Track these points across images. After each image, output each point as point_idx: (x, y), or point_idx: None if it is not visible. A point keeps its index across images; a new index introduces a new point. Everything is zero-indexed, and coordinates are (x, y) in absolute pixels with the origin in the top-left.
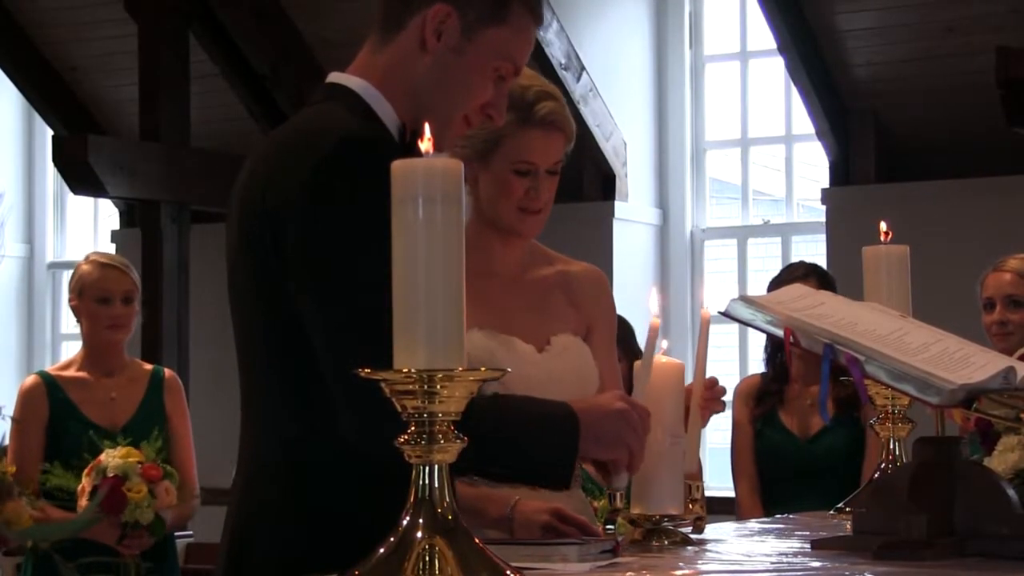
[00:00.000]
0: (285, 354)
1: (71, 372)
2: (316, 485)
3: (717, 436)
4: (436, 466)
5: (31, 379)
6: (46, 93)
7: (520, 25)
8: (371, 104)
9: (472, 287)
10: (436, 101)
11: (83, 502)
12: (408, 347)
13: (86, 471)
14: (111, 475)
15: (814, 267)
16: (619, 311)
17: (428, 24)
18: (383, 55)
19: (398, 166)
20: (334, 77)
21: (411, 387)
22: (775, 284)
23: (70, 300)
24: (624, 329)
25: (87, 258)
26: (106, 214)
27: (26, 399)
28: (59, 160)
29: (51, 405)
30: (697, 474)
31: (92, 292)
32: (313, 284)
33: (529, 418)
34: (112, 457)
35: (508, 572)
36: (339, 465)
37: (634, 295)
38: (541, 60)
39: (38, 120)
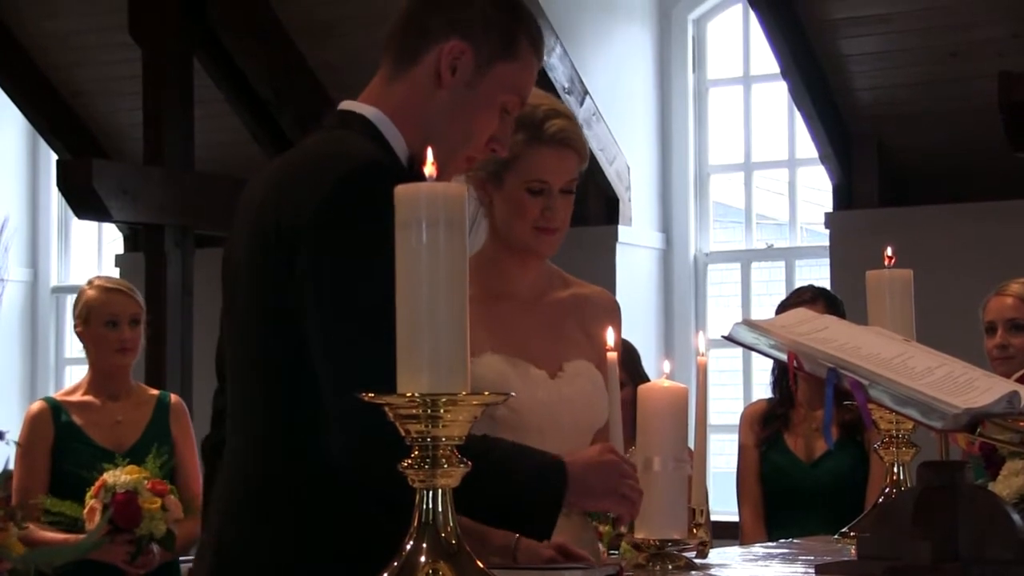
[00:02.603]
0: (283, 374)
1: (77, 396)
2: (307, 507)
3: (721, 460)
4: (440, 491)
5: (37, 404)
6: (51, 117)
7: (527, 60)
8: (384, 133)
9: (488, 309)
10: (447, 134)
11: (92, 524)
12: (411, 371)
13: (92, 491)
14: (121, 492)
15: (822, 291)
16: (623, 335)
17: (444, 59)
18: (397, 86)
19: (401, 190)
20: (347, 105)
21: (414, 411)
22: (783, 308)
23: (75, 327)
24: (629, 353)
25: (90, 283)
26: (110, 238)
27: (32, 424)
28: (63, 184)
29: (56, 429)
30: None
31: (99, 316)
32: (320, 304)
33: (518, 466)
34: (118, 476)
35: None
36: (331, 488)
37: (637, 319)
38: (544, 84)
39: (42, 144)
